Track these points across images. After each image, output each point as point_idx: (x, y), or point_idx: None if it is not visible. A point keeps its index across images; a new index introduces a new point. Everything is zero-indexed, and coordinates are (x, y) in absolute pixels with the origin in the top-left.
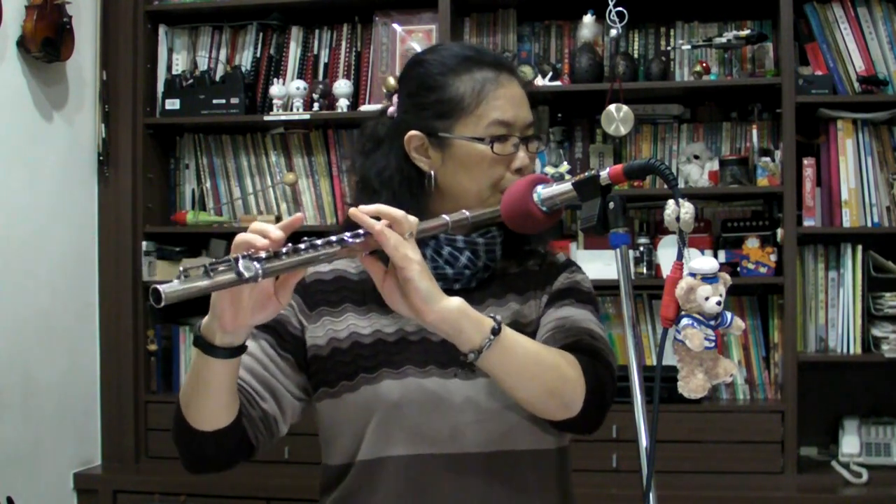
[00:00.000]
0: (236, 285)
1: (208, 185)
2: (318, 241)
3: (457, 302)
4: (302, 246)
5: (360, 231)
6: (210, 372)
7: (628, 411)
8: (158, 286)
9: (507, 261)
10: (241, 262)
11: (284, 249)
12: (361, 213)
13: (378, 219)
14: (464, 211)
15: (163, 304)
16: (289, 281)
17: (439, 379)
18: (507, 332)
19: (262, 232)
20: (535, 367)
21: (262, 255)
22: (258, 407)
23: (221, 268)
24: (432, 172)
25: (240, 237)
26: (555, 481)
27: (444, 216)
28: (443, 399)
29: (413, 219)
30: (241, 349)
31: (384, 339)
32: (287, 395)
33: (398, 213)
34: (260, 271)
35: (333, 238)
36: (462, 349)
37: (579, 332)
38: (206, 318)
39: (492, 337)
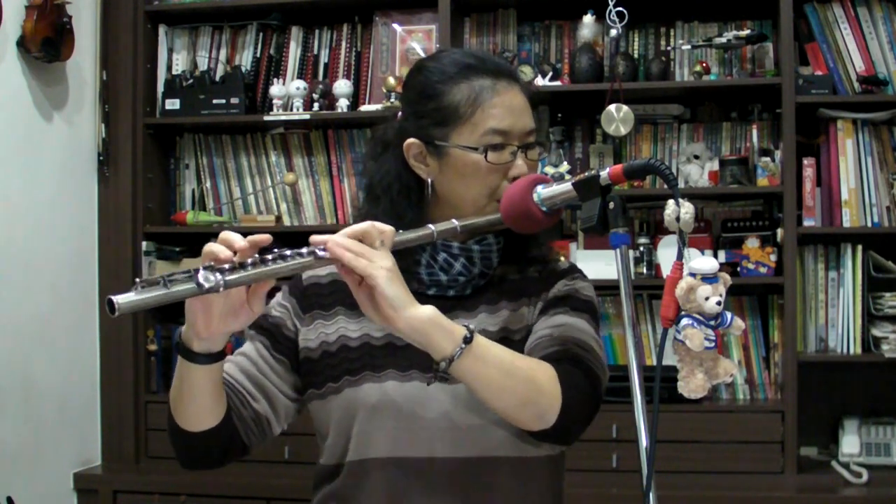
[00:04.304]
0: (196, 296)
1: (208, 185)
2: (288, 252)
3: (428, 310)
4: (269, 257)
5: None
6: (192, 377)
7: (628, 411)
8: (113, 296)
9: (508, 267)
10: (201, 272)
11: (250, 260)
12: (319, 237)
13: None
14: (453, 220)
15: (117, 314)
16: (259, 290)
17: (420, 383)
18: (480, 341)
19: (227, 242)
20: (507, 378)
21: (226, 266)
22: (250, 407)
23: (180, 278)
24: (430, 180)
25: (206, 247)
26: (541, 489)
27: (429, 226)
28: (421, 403)
29: (387, 228)
30: (220, 355)
31: (371, 343)
32: (280, 396)
33: (363, 225)
34: (221, 282)
35: (304, 250)
36: (434, 357)
37: (566, 342)
38: (185, 325)
39: (463, 346)
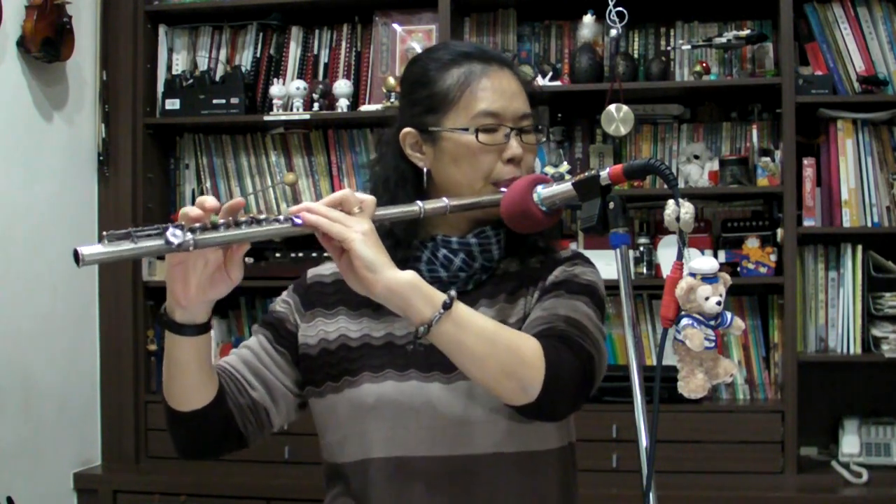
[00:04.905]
0: (163, 253)
1: (208, 185)
2: (263, 216)
3: (408, 275)
4: (243, 219)
5: None
6: (178, 350)
7: (628, 411)
8: (79, 248)
9: (511, 259)
10: (170, 229)
11: (223, 222)
12: (295, 207)
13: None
14: (444, 199)
15: (81, 265)
16: (235, 256)
17: (418, 383)
18: (461, 307)
19: (200, 203)
20: (489, 346)
21: (197, 225)
22: (248, 395)
23: (149, 233)
24: (426, 169)
25: (182, 210)
26: (549, 484)
27: (417, 202)
28: (420, 403)
29: (366, 196)
30: (204, 328)
31: (370, 343)
32: (280, 387)
33: (340, 192)
34: (191, 240)
35: (282, 217)
36: (413, 323)
37: (555, 319)
38: (167, 296)
39: (441, 311)
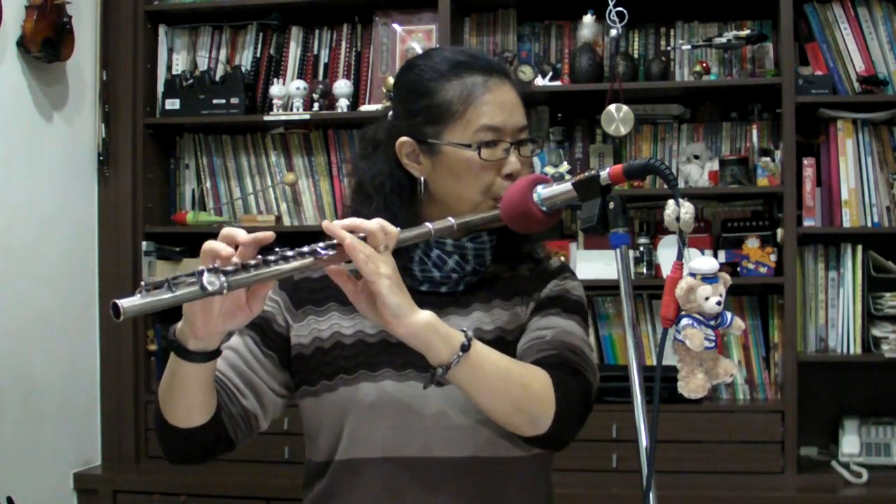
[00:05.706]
0: (200, 299)
1: (208, 185)
2: (290, 252)
3: (426, 317)
4: (272, 258)
5: (334, 242)
6: (185, 374)
7: (628, 411)
8: (118, 301)
9: (500, 265)
10: (205, 275)
11: (253, 261)
12: (335, 226)
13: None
14: (449, 218)
15: (122, 318)
16: (260, 291)
17: (416, 383)
18: (477, 347)
19: (230, 238)
20: (503, 384)
21: (229, 267)
22: (238, 403)
23: (185, 280)
24: (422, 179)
25: (206, 245)
26: (534, 486)
27: (427, 224)
28: (418, 404)
29: (392, 230)
30: (214, 354)
31: (365, 341)
32: (268, 391)
33: (372, 225)
34: (225, 285)
35: (306, 249)
36: (431, 362)
37: (559, 346)
38: (181, 322)
39: (460, 353)
